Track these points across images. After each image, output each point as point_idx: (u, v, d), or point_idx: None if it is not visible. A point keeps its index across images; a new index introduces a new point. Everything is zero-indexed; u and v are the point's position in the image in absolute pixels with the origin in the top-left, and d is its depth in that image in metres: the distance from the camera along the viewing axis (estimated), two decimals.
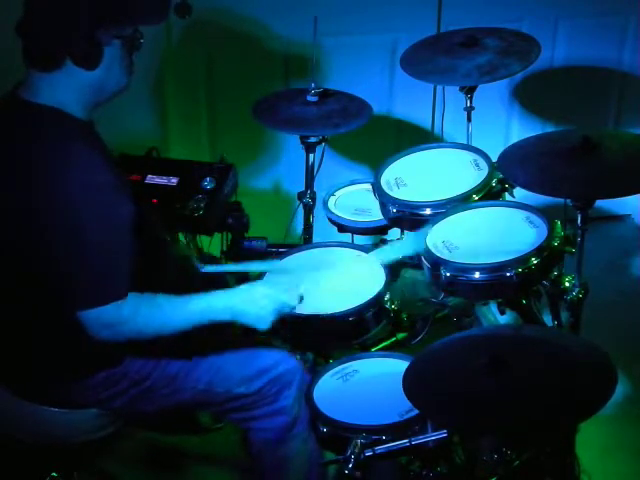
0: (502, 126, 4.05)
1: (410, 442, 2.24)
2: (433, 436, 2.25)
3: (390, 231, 3.09)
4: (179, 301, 2.38)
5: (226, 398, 2.55)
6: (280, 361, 2.58)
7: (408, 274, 3.11)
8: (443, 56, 3.15)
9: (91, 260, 2.26)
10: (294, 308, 2.47)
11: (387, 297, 2.63)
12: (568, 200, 2.52)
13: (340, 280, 2.71)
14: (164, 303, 2.36)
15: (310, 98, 3.15)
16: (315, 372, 2.66)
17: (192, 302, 2.38)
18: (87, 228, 2.24)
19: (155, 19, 2.40)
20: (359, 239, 3.13)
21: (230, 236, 3.22)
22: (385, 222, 2.94)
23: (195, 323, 2.37)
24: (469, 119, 3.20)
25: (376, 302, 2.61)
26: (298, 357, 2.93)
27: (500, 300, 2.97)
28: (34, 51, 2.29)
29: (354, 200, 3.18)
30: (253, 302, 2.42)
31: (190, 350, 2.52)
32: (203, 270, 2.73)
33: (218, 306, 2.41)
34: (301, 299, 2.49)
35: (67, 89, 2.30)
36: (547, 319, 2.87)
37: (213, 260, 3.16)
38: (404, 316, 2.82)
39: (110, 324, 2.29)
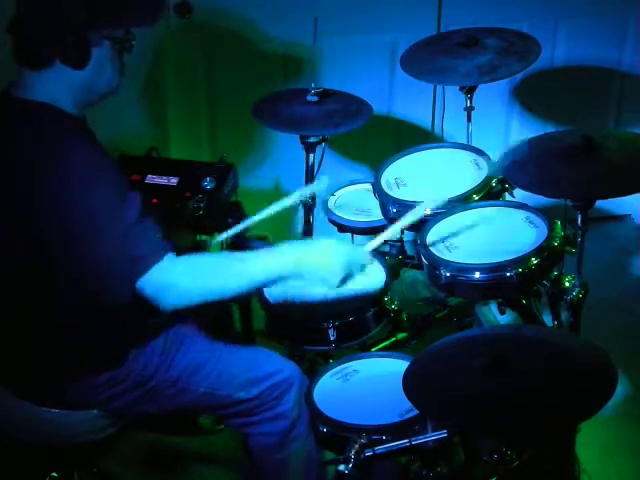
0: (502, 126, 4.05)
1: (410, 442, 2.24)
2: (433, 436, 2.25)
3: None
4: (235, 256, 2.34)
5: (226, 403, 2.55)
6: (280, 367, 2.58)
7: (408, 274, 3.11)
8: (443, 56, 3.15)
9: (113, 245, 2.24)
10: (364, 269, 2.39)
11: (387, 297, 2.63)
12: (568, 200, 2.52)
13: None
14: (220, 261, 2.33)
15: (310, 98, 3.15)
16: (315, 372, 2.66)
17: (254, 258, 2.33)
18: (87, 220, 2.23)
19: (147, 21, 2.40)
20: (359, 239, 3.13)
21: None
22: (385, 222, 2.94)
23: (260, 280, 2.32)
24: (469, 119, 3.20)
25: (376, 302, 2.61)
26: (297, 357, 2.93)
27: (500, 300, 2.97)
28: (25, 50, 2.30)
29: (354, 200, 3.18)
30: (322, 253, 2.35)
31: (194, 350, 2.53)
32: (218, 239, 2.74)
33: (283, 260, 2.34)
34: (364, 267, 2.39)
35: (58, 87, 2.31)
36: (547, 319, 2.87)
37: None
38: (404, 316, 2.82)
39: (165, 286, 2.25)
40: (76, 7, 2.24)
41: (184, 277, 2.26)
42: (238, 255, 2.35)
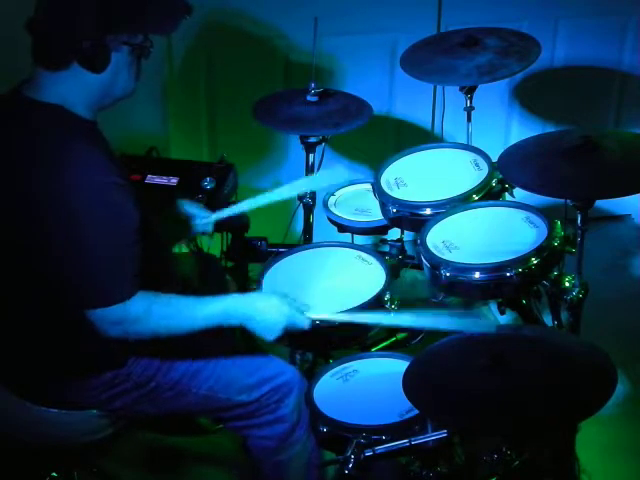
0: (502, 126, 4.05)
1: (410, 442, 2.24)
2: (433, 436, 2.25)
3: (390, 231, 3.09)
4: (192, 302, 2.38)
5: (226, 406, 2.55)
6: (281, 371, 2.58)
7: (408, 274, 3.11)
8: (443, 56, 3.15)
9: (93, 260, 2.26)
10: (302, 329, 2.47)
11: (387, 297, 2.63)
12: (568, 200, 2.52)
13: (340, 280, 2.71)
14: (177, 303, 2.37)
15: (310, 98, 3.16)
16: (315, 372, 2.65)
17: (206, 304, 2.39)
18: (86, 227, 2.23)
19: (166, 28, 2.40)
20: (359, 239, 3.13)
21: (230, 236, 3.22)
22: (385, 222, 2.94)
23: (207, 325, 2.38)
24: (469, 119, 3.20)
25: (376, 302, 2.61)
26: (298, 357, 2.93)
27: (500, 300, 2.97)
28: (42, 49, 2.29)
29: (354, 200, 3.18)
30: (267, 314, 2.43)
31: (195, 353, 2.53)
32: (215, 216, 2.77)
33: (232, 311, 2.41)
34: (312, 323, 2.49)
35: (72, 89, 2.30)
36: (547, 319, 2.87)
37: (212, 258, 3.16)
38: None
39: (118, 322, 2.30)
40: (96, 12, 2.24)
41: (145, 318, 2.32)
42: (196, 300, 2.40)
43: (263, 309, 2.43)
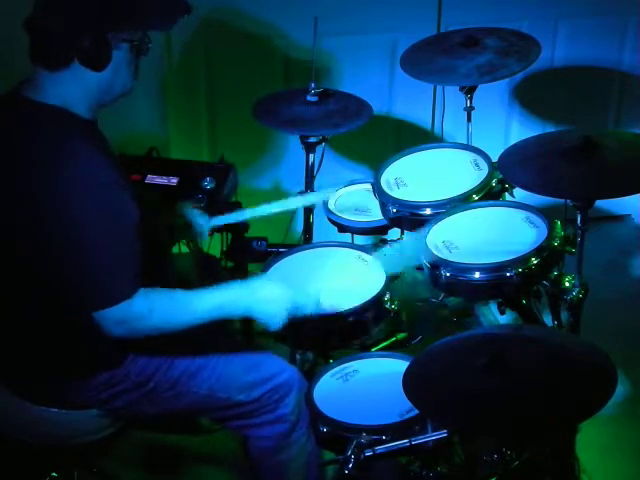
0: (502, 126, 4.05)
1: (410, 442, 2.24)
2: (433, 436, 2.25)
3: (390, 231, 3.09)
4: (195, 296, 2.38)
5: (226, 405, 2.55)
6: (281, 370, 2.58)
7: (408, 274, 3.11)
8: (443, 56, 3.15)
9: (93, 260, 2.26)
10: (308, 314, 2.46)
11: (387, 297, 2.63)
12: (568, 200, 2.52)
13: (340, 280, 2.71)
14: (179, 298, 2.37)
15: (310, 98, 3.16)
16: (315, 372, 2.65)
17: (208, 297, 2.39)
18: (86, 227, 2.23)
19: (165, 25, 2.40)
20: (359, 239, 3.13)
21: (230, 236, 3.22)
22: (385, 222, 2.94)
23: (211, 318, 2.37)
24: (469, 119, 3.20)
25: (376, 302, 2.61)
26: (298, 357, 2.93)
27: (500, 300, 2.97)
28: (42, 48, 2.28)
29: (354, 200, 3.18)
30: (271, 302, 2.42)
31: (194, 352, 2.53)
32: (212, 222, 2.77)
33: (235, 302, 2.41)
34: (317, 306, 2.48)
35: (72, 88, 2.30)
36: (547, 319, 2.87)
37: (213, 260, 3.16)
38: (404, 316, 2.82)
39: (122, 321, 2.29)
40: (97, 8, 2.24)
41: (148, 315, 2.31)
42: (198, 293, 2.40)
43: (266, 297, 2.42)
